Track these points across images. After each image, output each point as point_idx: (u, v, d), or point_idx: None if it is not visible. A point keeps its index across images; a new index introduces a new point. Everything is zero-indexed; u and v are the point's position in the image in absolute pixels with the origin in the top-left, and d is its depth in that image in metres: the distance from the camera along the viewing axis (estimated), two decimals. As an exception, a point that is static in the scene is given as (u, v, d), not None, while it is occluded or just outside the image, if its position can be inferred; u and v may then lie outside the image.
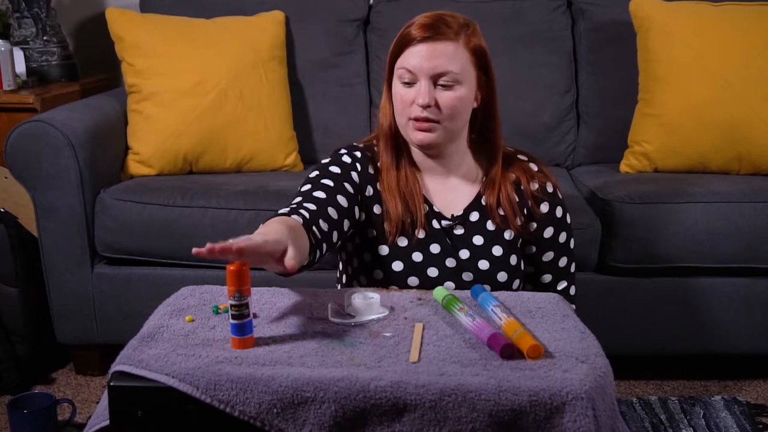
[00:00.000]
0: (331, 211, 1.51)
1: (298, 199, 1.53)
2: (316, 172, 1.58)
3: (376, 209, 1.60)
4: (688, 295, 2.25)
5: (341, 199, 1.54)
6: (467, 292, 1.44)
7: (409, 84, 1.52)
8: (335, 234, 1.51)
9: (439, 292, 1.39)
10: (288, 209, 1.48)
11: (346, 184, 1.56)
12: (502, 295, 1.44)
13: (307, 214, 1.47)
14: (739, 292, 2.25)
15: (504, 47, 2.71)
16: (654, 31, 2.49)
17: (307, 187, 1.55)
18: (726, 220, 2.19)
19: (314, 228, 1.46)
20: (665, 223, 2.20)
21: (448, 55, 1.50)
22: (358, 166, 1.60)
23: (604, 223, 2.23)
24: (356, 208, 1.57)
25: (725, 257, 2.22)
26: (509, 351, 1.19)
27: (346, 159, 1.61)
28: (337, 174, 1.57)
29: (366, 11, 2.82)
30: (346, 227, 1.55)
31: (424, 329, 1.30)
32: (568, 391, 1.10)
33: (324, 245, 1.48)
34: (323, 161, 1.62)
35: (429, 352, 1.22)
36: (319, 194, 1.53)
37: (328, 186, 1.55)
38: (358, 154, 1.62)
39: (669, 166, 2.48)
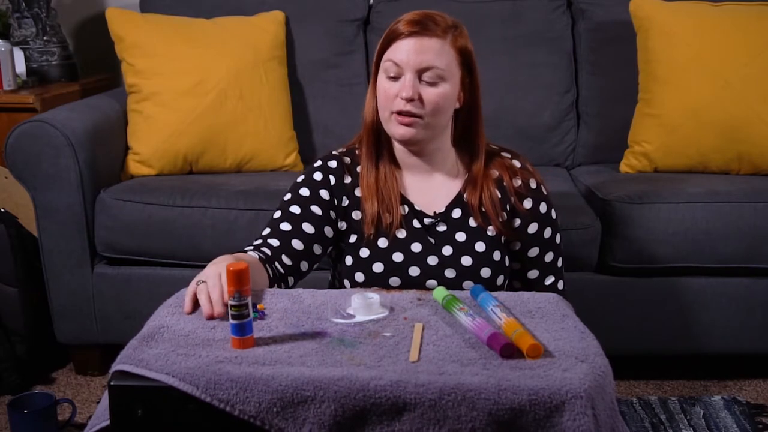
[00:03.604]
0: (296, 243, 1.58)
1: (267, 231, 1.60)
2: (288, 195, 1.64)
3: (355, 215, 1.63)
4: (688, 295, 2.25)
5: (307, 227, 1.59)
6: (467, 293, 1.44)
7: (395, 78, 1.54)
8: (303, 263, 1.59)
9: (439, 293, 1.39)
10: (252, 247, 1.57)
11: (314, 207, 1.61)
12: (501, 295, 1.44)
13: (269, 252, 1.56)
14: (739, 292, 2.26)
15: (504, 47, 2.71)
16: (654, 31, 2.49)
17: (277, 214, 1.62)
18: (726, 220, 2.19)
19: (276, 264, 1.55)
20: (665, 223, 2.20)
21: (435, 51, 1.52)
22: (331, 179, 1.63)
23: (604, 223, 2.23)
24: (326, 228, 1.61)
25: (725, 257, 2.22)
26: (509, 350, 1.19)
27: (317, 176, 1.64)
28: (305, 198, 1.62)
29: (366, 11, 2.82)
30: (318, 251, 1.61)
31: (423, 329, 1.30)
32: (568, 390, 1.10)
33: (291, 278, 1.57)
34: (298, 179, 1.66)
35: (429, 351, 1.22)
36: (285, 226, 1.59)
37: (294, 215, 1.60)
38: (333, 164, 1.65)
39: (669, 166, 2.48)
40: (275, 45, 2.63)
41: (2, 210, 2.37)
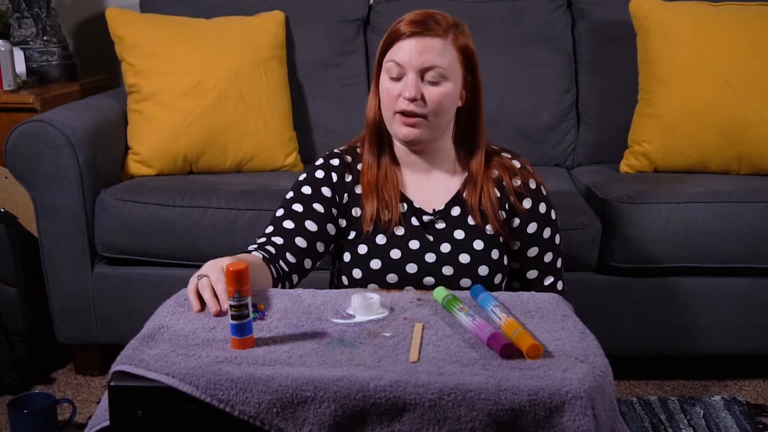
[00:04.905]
0: (300, 241, 1.59)
1: (269, 229, 1.61)
2: (291, 194, 1.65)
3: (355, 212, 1.63)
4: (688, 295, 2.25)
5: (310, 225, 1.60)
6: (467, 293, 1.44)
7: (397, 78, 1.55)
8: (307, 261, 1.60)
9: (439, 293, 1.39)
10: (256, 245, 1.58)
11: (316, 205, 1.62)
12: (501, 295, 1.44)
13: (273, 250, 1.56)
14: (739, 292, 2.26)
15: (504, 47, 2.71)
16: (654, 31, 2.49)
17: (280, 212, 1.63)
18: (726, 220, 2.19)
19: (280, 262, 1.55)
20: (665, 223, 2.20)
21: (437, 50, 1.53)
22: (334, 176, 1.64)
23: (604, 223, 2.23)
24: (329, 226, 1.62)
25: (725, 257, 2.22)
26: (509, 351, 1.19)
27: (319, 174, 1.65)
28: (307, 195, 1.63)
29: (366, 11, 2.82)
30: (321, 249, 1.62)
31: (423, 329, 1.30)
32: (568, 390, 1.10)
33: (294, 276, 1.58)
34: (300, 177, 1.67)
35: (429, 351, 1.22)
36: (288, 224, 1.60)
37: (297, 213, 1.61)
38: (335, 162, 1.66)
39: (669, 166, 2.48)
40: (275, 45, 2.63)
41: (2, 210, 2.37)
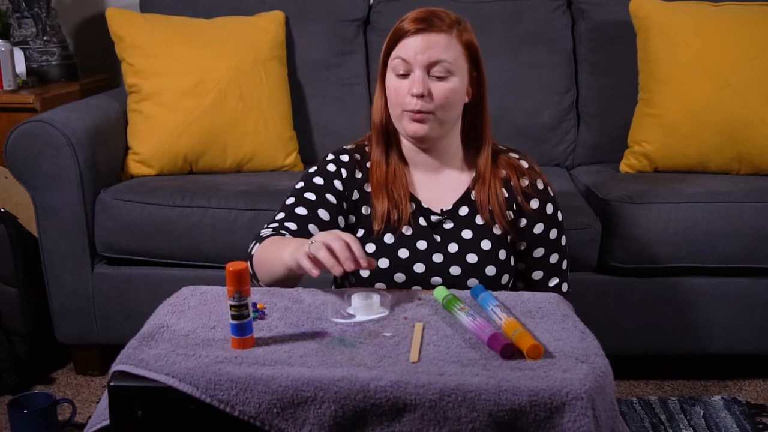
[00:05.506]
0: (312, 228, 1.57)
1: (281, 215, 1.59)
2: (301, 184, 1.64)
3: (364, 210, 1.63)
4: (688, 295, 2.25)
5: (323, 213, 1.59)
6: (467, 292, 1.44)
7: (404, 76, 1.55)
8: None
9: (440, 292, 1.39)
10: (270, 229, 1.56)
11: (329, 195, 1.61)
12: (502, 295, 1.44)
13: (287, 235, 1.54)
14: (739, 292, 2.26)
15: (504, 47, 2.71)
16: (654, 31, 2.49)
17: (291, 200, 1.62)
18: (726, 220, 2.19)
19: None
20: (665, 223, 2.20)
21: (442, 46, 1.53)
22: (343, 172, 1.64)
23: (604, 223, 2.23)
24: (340, 218, 1.62)
25: (725, 257, 2.22)
26: (509, 351, 1.19)
27: (331, 167, 1.64)
28: (320, 186, 1.62)
29: (366, 11, 2.83)
30: None
31: (424, 329, 1.30)
32: (568, 390, 1.10)
33: None
34: (310, 170, 1.67)
35: (429, 352, 1.22)
36: (301, 211, 1.59)
37: (310, 200, 1.60)
38: (345, 158, 1.66)
39: (669, 166, 2.48)
40: (275, 45, 2.63)
41: (2, 210, 2.37)
